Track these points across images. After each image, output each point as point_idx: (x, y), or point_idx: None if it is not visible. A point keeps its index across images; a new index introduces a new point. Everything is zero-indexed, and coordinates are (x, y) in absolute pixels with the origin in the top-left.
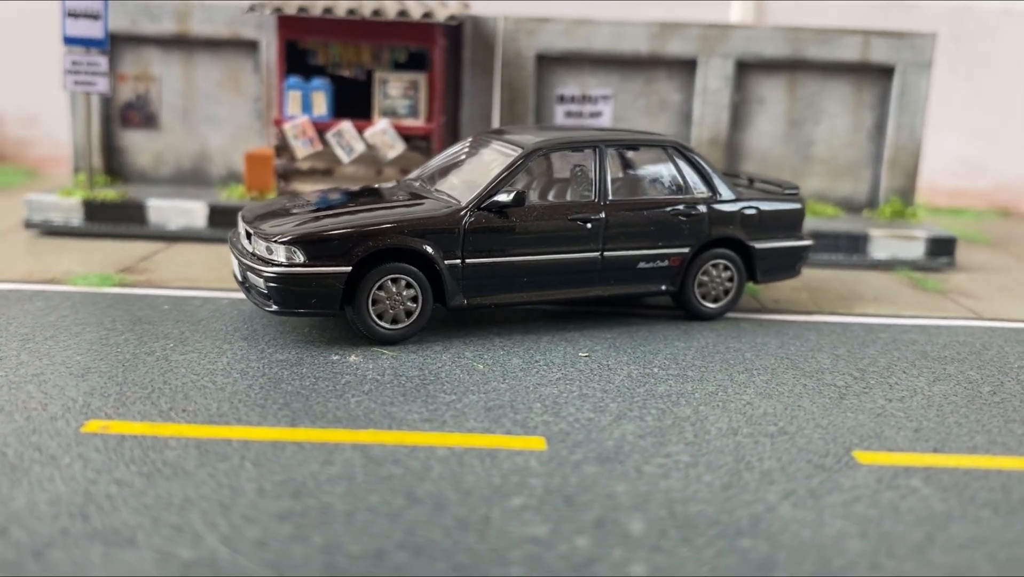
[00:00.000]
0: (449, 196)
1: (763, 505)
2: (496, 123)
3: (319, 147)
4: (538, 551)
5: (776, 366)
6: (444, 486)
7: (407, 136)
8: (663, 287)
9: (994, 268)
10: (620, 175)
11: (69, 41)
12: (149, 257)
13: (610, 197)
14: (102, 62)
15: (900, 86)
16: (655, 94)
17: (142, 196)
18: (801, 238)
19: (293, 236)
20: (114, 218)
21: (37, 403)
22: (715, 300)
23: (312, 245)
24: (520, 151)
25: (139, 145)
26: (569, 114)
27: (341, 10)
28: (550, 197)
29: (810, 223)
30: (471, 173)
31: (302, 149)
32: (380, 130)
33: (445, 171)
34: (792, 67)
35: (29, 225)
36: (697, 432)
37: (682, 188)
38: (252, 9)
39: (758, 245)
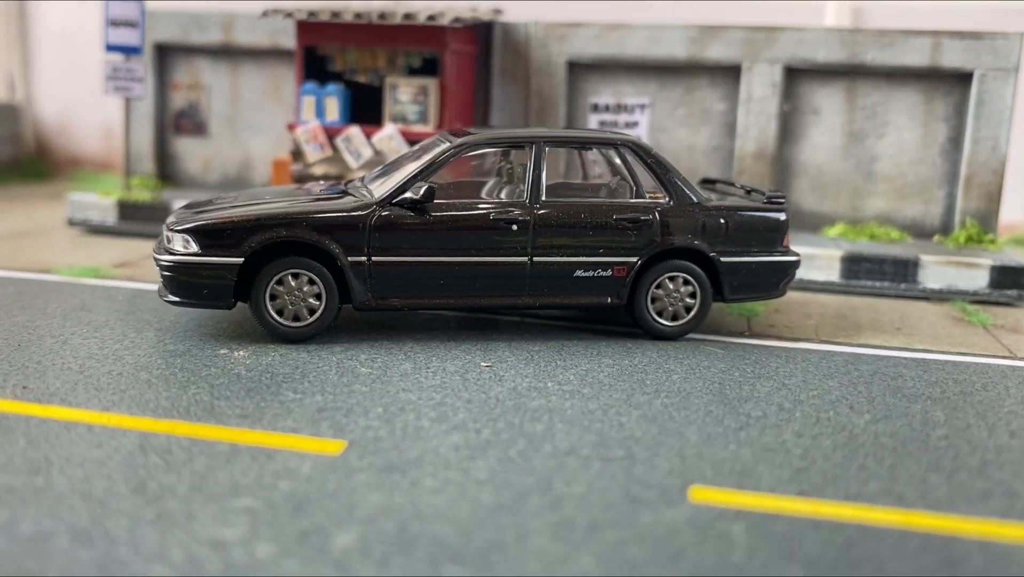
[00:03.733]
0: (369, 191)
1: (515, 532)
2: None
3: (329, 152)
4: (205, 554)
5: (695, 390)
6: (186, 480)
7: (415, 142)
8: (608, 300)
9: None
10: (563, 177)
11: (111, 48)
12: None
13: (543, 198)
14: (139, 68)
15: (978, 94)
16: (696, 103)
17: (170, 198)
18: (785, 253)
19: (187, 225)
20: (144, 218)
21: None
22: (674, 318)
23: (204, 235)
24: (446, 145)
25: (190, 152)
26: (604, 123)
27: (349, 14)
28: (501, 197)
29: (855, 245)
30: (405, 170)
31: (313, 154)
32: (387, 136)
33: (390, 168)
34: (851, 73)
35: (72, 223)
36: (524, 450)
37: (633, 192)
38: (265, 15)
39: (725, 258)
